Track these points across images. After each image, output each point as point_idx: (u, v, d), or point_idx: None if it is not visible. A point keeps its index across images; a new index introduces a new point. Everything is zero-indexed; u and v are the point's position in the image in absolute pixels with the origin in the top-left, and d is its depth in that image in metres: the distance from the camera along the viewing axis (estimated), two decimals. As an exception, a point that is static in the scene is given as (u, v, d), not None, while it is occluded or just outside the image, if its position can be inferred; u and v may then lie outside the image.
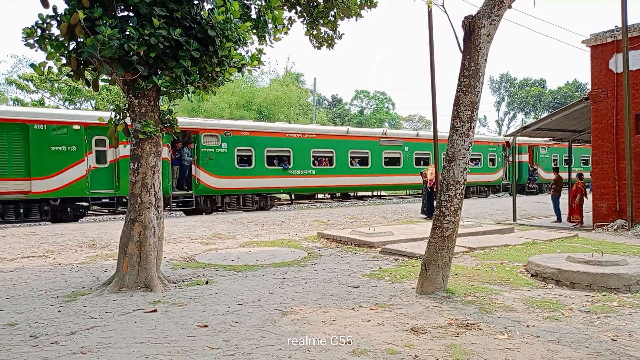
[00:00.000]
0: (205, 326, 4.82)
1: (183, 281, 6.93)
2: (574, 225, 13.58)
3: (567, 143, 18.48)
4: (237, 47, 6.65)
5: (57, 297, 6.11)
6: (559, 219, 14.54)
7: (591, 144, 13.35)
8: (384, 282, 6.77)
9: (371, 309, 5.42)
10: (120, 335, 4.56)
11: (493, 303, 5.60)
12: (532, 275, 6.99)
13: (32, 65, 6.07)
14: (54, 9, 6.03)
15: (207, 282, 6.80)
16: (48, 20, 6.00)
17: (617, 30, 12.25)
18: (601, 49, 12.81)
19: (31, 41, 5.99)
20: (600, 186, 12.91)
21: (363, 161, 21.99)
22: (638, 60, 12.01)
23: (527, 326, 4.77)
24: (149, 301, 5.79)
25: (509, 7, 5.97)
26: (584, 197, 13.91)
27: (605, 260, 6.71)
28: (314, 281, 6.87)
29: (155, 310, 5.38)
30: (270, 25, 7.84)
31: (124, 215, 6.94)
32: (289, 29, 9.09)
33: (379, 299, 5.87)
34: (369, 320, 4.97)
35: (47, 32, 6.01)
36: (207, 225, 13.41)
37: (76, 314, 5.31)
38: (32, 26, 5.95)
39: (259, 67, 7.14)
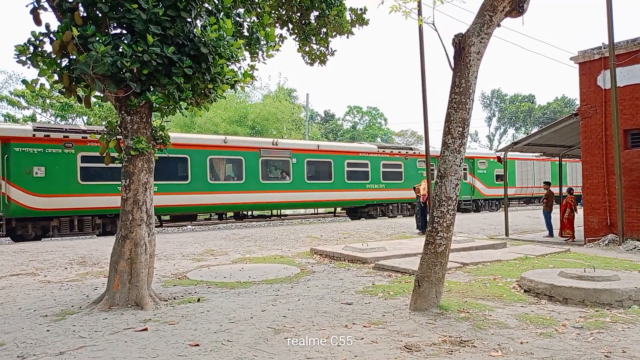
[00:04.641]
0: (197, 345, 4.75)
1: (174, 299, 6.85)
2: (565, 240, 13.64)
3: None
4: (229, 64, 6.69)
5: (46, 316, 6.01)
6: (551, 234, 14.60)
7: (581, 159, 13.49)
8: (377, 299, 6.73)
9: (364, 326, 5.38)
10: (110, 355, 4.48)
11: (486, 319, 5.58)
12: (525, 291, 6.99)
13: (24, 82, 6.07)
14: (47, 26, 6.05)
15: (198, 300, 6.73)
16: (41, 38, 6.01)
17: (604, 48, 12.47)
18: (589, 66, 13.02)
19: (23, 58, 5.99)
20: (590, 201, 13.01)
21: None
22: (625, 76, 12.22)
23: (521, 343, 4.75)
24: (140, 320, 5.71)
25: (498, 25, 6.06)
26: (574, 212, 14.01)
27: (597, 275, 6.73)
28: (306, 298, 6.82)
29: (146, 329, 5.30)
30: (262, 42, 7.90)
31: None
32: (281, 46, 9.18)
33: (373, 316, 5.83)
34: (363, 338, 4.93)
35: (39, 49, 6.02)
36: (199, 241, 13.32)
37: (65, 333, 5.22)
38: (25, 43, 5.96)
39: (252, 83, 7.18)
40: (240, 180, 18.88)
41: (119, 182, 16.01)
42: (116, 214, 15.65)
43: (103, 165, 14.66)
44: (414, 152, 24.49)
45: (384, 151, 23.42)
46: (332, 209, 25.01)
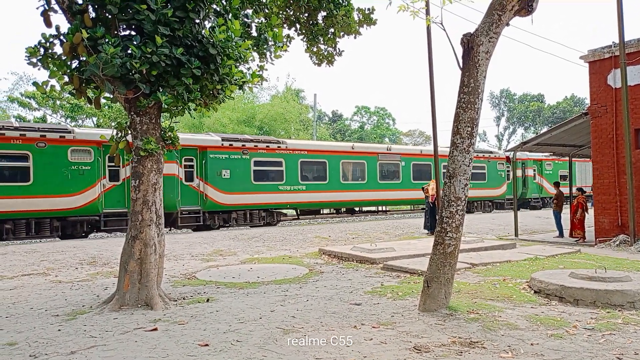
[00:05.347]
0: (206, 345, 4.77)
1: (184, 299, 6.89)
2: (576, 241, 13.52)
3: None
4: (238, 64, 6.71)
5: (57, 315, 6.06)
6: (561, 234, 14.49)
7: (592, 159, 13.38)
8: (386, 300, 6.72)
9: (373, 327, 5.37)
10: (121, 355, 4.51)
11: (496, 320, 5.55)
12: (535, 292, 6.94)
13: (35, 84, 6.12)
14: (57, 28, 6.11)
15: (208, 300, 6.75)
16: (51, 40, 6.07)
17: (614, 46, 12.35)
18: (599, 65, 12.90)
19: (34, 60, 6.05)
20: (601, 201, 12.89)
21: None
22: (636, 75, 12.09)
23: (531, 344, 4.72)
24: (150, 320, 5.74)
25: (507, 24, 6.02)
26: (585, 212, 13.88)
27: (608, 276, 6.66)
28: (315, 298, 6.83)
29: (155, 329, 5.33)
30: (270, 43, 7.92)
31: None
32: (288, 46, 9.19)
33: (381, 316, 5.82)
34: (371, 339, 4.92)
35: (50, 51, 6.08)
36: (208, 241, 13.37)
37: (76, 332, 5.26)
38: (35, 45, 6.02)
39: (260, 84, 7.20)
40: (363, 181, 22.14)
41: (279, 182, 18.04)
42: (275, 208, 20.01)
43: (269, 168, 19.48)
44: (494, 155, 27.72)
45: None
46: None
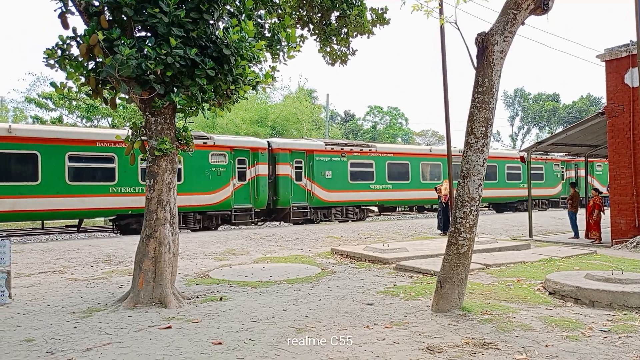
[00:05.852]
0: (220, 343, 4.81)
1: (197, 297, 6.94)
2: (591, 242, 13.34)
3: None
4: (251, 65, 6.75)
5: (74, 312, 6.15)
6: (576, 235, 14.31)
7: (608, 159, 13.19)
8: (398, 300, 6.71)
9: (386, 326, 5.36)
10: (135, 352, 4.57)
11: (510, 322, 5.50)
12: (550, 293, 6.87)
13: (53, 85, 6.22)
14: (74, 30, 6.20)
15: (221, 299, 6.80)
16: (68, 41, 6.17)
17: (632, 45, 12.16)
18: (616, 64, 12.71)
19: (52, 61, 6.16)
20: (618, 202, 12.70)
21: None
22: (654, 74, 11.88)
23: (546, 346, 4.67)
24: (164, 317, 5.80)
25: (522, 23, 5.97)
26: (602, 213, 13.69)
27: (625, 278, 6.57)
28: (327, 298, 6.83)
29: (169, 327, 5.39)
30: (283, 43, 7.95)
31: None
32: (301, 47, 9.20)
33: (394, 316, 5.81)
34: (384, 339, 4.92)
35: (67, 52, 6.18)
36: (221, 241, 13.45)
37: (92, 330, 5.34)
38: (53, 47, 6.12)
39: (272, 84, 7.23)
40: (439, 180, 23.25)
41: (369, 182, 21.16)
42: (365, 205, 22.16)
43: (362, 169, 21.74)
44: (551, 157, 29.12)
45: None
46: (488, 204, 29.58)
